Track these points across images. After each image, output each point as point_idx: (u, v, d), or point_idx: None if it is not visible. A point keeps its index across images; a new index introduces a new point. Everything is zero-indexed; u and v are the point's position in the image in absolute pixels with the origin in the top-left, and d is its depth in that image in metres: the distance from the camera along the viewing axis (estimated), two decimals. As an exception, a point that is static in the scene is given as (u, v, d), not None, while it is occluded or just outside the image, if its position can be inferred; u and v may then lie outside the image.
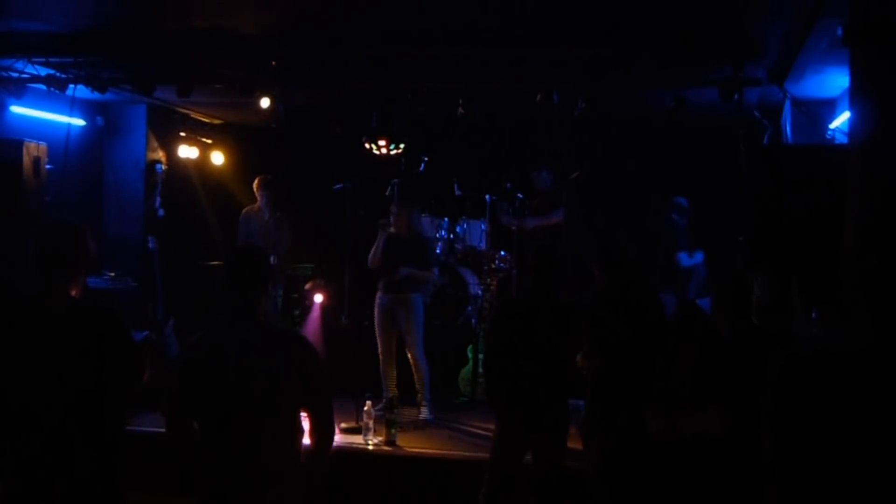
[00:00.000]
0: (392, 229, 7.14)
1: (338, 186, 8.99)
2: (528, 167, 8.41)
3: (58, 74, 7.04)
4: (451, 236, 8.71)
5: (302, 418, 3.31)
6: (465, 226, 8.86)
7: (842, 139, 6.29)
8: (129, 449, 3.32)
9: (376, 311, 7.16)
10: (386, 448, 6.05)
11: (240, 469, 3.15)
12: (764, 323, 4.00)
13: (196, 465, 3.25)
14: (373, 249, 7.17)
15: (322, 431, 3.32)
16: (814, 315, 4.16)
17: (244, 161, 9.93)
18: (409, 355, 7.07)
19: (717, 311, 4.16)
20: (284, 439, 3.22)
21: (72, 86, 7.12)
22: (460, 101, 7.21)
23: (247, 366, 3.15)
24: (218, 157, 9.84)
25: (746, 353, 3.89)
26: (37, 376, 3.05)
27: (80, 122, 8.45)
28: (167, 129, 9.20)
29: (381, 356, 7.10)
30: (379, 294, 7.18)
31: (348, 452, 5.94)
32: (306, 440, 3.33)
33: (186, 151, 9.37)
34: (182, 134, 9.38)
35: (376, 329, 7.14)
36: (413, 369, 7.07)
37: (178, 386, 3.27)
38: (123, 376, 3.21)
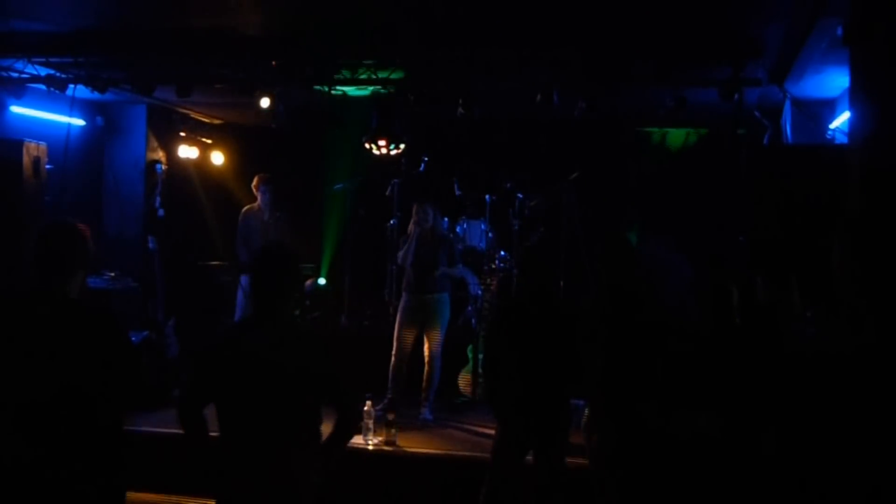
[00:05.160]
0: (416, 230, 7.11)
1: (338, 186, 9.01)
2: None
3: (58, 74, 7.04)
4: (452, 236, 8.71)
5: (321, 414, 3.37)
6: (465, 226, 8.86)
7: (842, 139, 6.29)
8: (128, 449, 3.33)
9: (402, 311, 7.11)
10: (386, 448, 6.05)
11: (258, 461, 3.20)
12: (748, 323, 4.02)
13: (209, 456, 3.31)
14: (403, 250, 7.16)
15: (345, 421, 3.42)
16: (808, 314, 4.17)
17: (244, 161, 9.93)
18: (427, 354, 7.04)
19: (704, 313, 4.18)
20: (303, 434, 3.28)
21: (72, 86, 7.13)
22: (460, 101, 7.21)
23: (268, 363, 3.21)
24: (218, 157, 9.84)
25: (732, 354, 3.92)
26: (34, 376, 3.05)
27: (80, 122, 8.45)
28: (167, 129, 9.21)
29: (394, 357, 7.06)
30: (406, 295, 7.14)
31: (348, 452, 5.93)
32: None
33: (186, 151, 9.37)
34: (182, 134, 9.39)
35: (398, 329, 7.09)
36: (427, 367, 7.04)
37: (199, 378, 3.35)
38: (120, 377, 3.21)
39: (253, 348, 3.25)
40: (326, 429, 3.38)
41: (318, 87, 7.33)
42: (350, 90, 7.53)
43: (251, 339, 3.29)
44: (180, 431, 3.34)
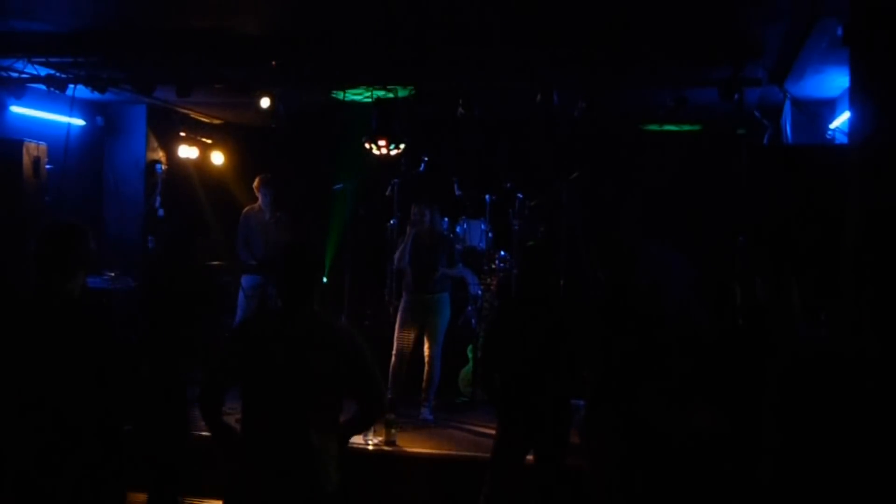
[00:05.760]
0: (414, 230, 7.12)
1: (338, 186, 9.01)
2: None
3: (58, 74, 7.04)
4: (452, 236, 8.71)
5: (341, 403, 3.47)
6: (465, 226, 8.86)
7: (842, 139, 6.28)
8: (128, 449, 3.33)
9: (402, 311, 7.11)
10: (386, 448, 6.05)
11: (278, 450, 3.28)
12: (751, 324, 4.03)
13: (224, 441, 3.43)
14: (399, 251, 7.17)
15: (366, 413, 3.54)
16: (822, 317, 4.16)
17: (244, 161, 9.93)
18: (427, 354, 7.05)
19: (705, 312, 4.18)
20: (322, 424, 3.36)
21: (72, 86, 7.13)
22: (460, 101, 7.21)
23: (294, 352, 3.31)
24: (218, 157, 9.84)
25: (735, 354, 3.92)
26: (34, 375, 3.05)
27: (80, 122, 8.45)
28: (167, 129, 9.21)
29: (395, 356, 7.06)
30: (406, 295, 7.14)
31: (348, 452, 5.94)
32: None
33: (186, 151, 9.37)
34: (182, 134, 9.38)
35: (398, 329, 7.10)
36: (427, 367, 7.05)
37: (223, 364, 3.45)
38: (120, 377, 3.21)
39: (280, 338, 3.34)
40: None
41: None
42: (358, 97, 7.59)
43: (279, 329, 3.39)
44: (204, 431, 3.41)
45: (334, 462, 3.38)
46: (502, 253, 8.61)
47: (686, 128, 8.59)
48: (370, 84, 7.33)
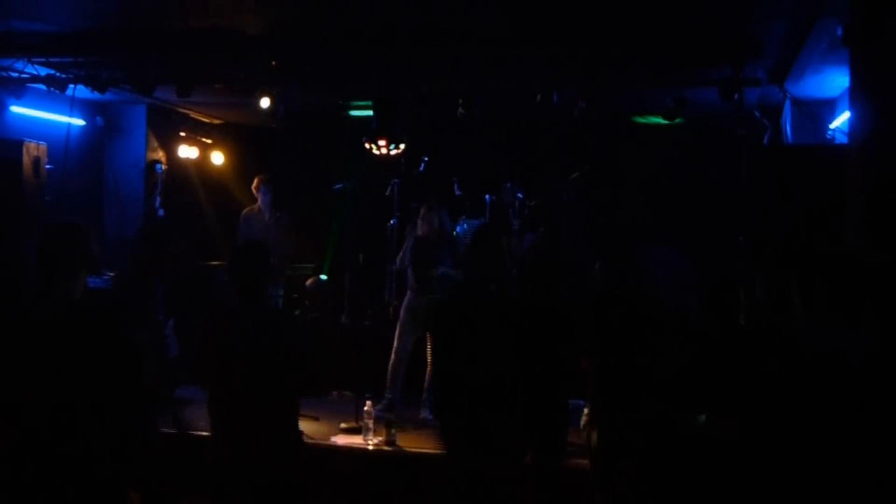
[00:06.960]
0: (420, 231, 7.11)
1: (338, 186, 9.01)
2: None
3: (58, 74, 7.04)
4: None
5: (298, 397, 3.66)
6: (465, 226, 8.86)
7: (842, 139, 6.29)
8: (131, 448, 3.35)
9: (403, 311, 7.10)
10: (386, 448, 6.05)
11: (241, 438, 3.44)
12: (755, 323, 4.02)
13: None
14: (401, 252, 7.17)
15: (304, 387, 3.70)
16: (826, 318, 4.16)
17: (244, 161, 9.93)
18: (428, 354, 7.05)
19: (706, 312, 4.17)
20: (282, 415, 3.52)
21: (72, 86, 7.13)
22: (460, 101, 7.21)
23: (250, 344, 3.46)
24: (218, 157, 9.85)
25: (738, 354, 3.92)
26: (36, 376, 3.05)
27: (80, 122, 8.45)
28: (167, 129, 9.21)
29: (395, 355, 7.05)
30: (409, 295, 7.15)
31: (348, 452, 5.94)
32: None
33: (186, 151, 9.37)
34: (182, 134, 9.39)
35: (399, 329, 7.09)
36: (429, 367, 7.05)
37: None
38: (124, 377, 3.21)
39: (236, 332, 3.51)
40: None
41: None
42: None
43: (235, 323, 3.56)
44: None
45: (295, 452, 3.55)
46: (502, 253, 8.60)
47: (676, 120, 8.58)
48: (368, 87, 7.35)
